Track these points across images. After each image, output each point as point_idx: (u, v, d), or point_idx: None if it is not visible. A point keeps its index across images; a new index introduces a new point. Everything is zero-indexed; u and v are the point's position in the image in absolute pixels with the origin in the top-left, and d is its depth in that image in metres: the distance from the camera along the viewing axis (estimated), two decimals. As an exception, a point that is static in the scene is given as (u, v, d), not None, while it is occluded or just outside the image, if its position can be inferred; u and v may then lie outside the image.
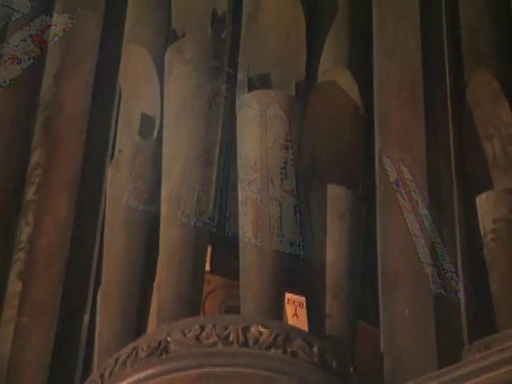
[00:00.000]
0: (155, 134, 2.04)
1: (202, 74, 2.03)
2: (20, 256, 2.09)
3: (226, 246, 1.96)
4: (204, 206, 1.82)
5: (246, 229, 1.78)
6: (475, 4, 2.25)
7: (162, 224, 1.80)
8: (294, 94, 2.03)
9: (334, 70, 2.11)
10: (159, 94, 2.07)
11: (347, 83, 2.08)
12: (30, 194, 2.22)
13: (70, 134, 2.22)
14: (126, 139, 2.10)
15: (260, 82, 2.07)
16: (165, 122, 1.98)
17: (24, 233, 2.13)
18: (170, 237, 1.78)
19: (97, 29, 2.38)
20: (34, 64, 2.43)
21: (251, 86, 2.03)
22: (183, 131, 1.93)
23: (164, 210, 1.82)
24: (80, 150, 2.17)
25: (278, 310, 1.66)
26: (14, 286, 2.04)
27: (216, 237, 1.90)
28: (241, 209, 1.83)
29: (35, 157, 2.29)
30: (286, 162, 1.90)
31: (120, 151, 2.07)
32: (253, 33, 2.14)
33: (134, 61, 2.16)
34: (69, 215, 2.07)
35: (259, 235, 1.76)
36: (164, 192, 1.86)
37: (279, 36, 2.14)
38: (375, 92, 2.08)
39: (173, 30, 2.16)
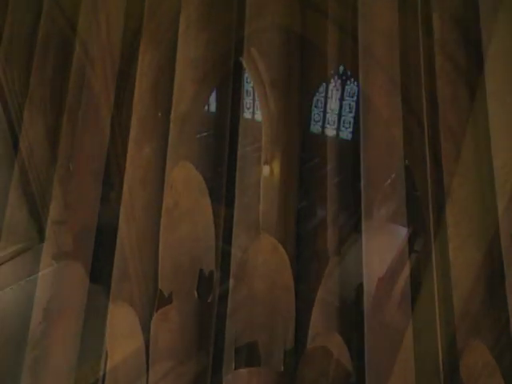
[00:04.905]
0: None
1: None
2: None
3: None
4: None
5: None
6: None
7: None
8: (282, 367, 1.97)
9: (324, 335, 2.05)
10: (145, 358, 2.04)
11: (338, 349, 2.02)
12: None
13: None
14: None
15: (247, 354, 2.02)
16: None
17: None
18: None
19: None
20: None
21: (238, 360, 1.98)
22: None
23: None
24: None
25: None
26: None
27: None
28: None
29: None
30: None
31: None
32: (239, 295, 2.10)
33: (120, 319, 2.12)
34: None
35: None
36: None
37: (267, 299, 2.10)
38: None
39: (160, 290, 2.12)
